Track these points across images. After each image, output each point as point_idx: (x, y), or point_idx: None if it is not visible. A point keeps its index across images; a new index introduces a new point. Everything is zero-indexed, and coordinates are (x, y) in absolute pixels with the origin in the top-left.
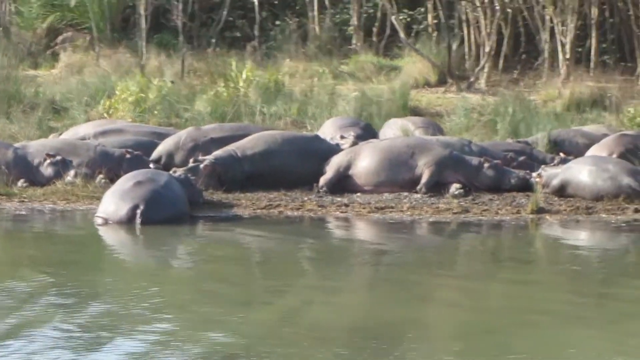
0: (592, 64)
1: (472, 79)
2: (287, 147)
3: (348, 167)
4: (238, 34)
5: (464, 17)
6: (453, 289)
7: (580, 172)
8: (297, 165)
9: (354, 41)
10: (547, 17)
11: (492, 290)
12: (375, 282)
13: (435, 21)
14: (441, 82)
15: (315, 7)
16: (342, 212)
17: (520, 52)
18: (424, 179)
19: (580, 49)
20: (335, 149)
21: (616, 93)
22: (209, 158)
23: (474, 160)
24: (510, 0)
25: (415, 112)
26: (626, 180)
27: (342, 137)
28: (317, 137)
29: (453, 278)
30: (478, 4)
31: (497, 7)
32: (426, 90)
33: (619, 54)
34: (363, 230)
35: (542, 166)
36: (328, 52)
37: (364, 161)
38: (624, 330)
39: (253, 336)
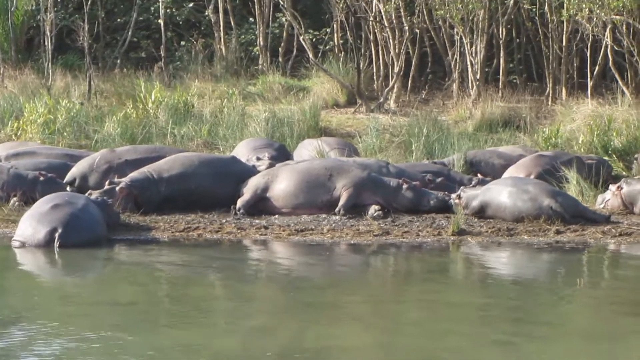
0: (500, 84)
1: (381, 100)
2: (204, 169)
3: (265, 189)
4: (143, 55)
5: (371, 37)
6: (370, 310)
7: (500, 194)
8: (214, 187)
9: (260, 62)
10: (457, 37)
11: (408, 312)
12: (291, 304)
13: (341, 41)
14: (350, 102)
15: (222, 28)
16: (261, 234)
17: (427, 72)
18: (342, 201)
19: (487, 69)
20: (252, 171)
21: (527, 113)
22: (125, 180)
23: (393, 182)
24: (418, 20)
25: (325, 132)
26: (547, 201)
27: (258, 159)
28: (234, 159)
29: (371, 300)
30: (386, 24)
31: (406, 28)
32: (335, 111)
33: (525, 74)
34: (283, 253)
35: (462, 187)
36: (235, 72)
37: (282, 183)
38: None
39: None
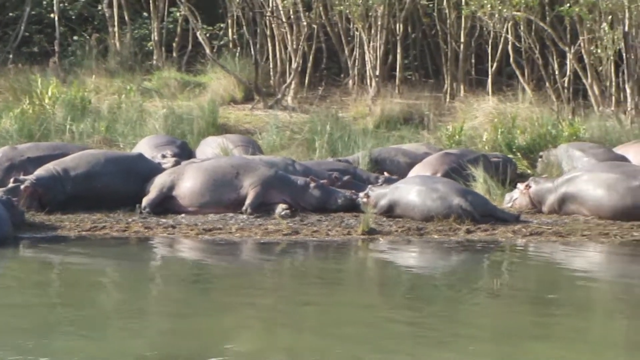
0: (397, 81)
1: (279, 96)
2: (111, 167)
3: (172, 187)
4: (36, 49)
5: (268, 33)
6: (276, 312)
7: (409, 192)
8: (121, 185)
9: (154, 57)
10: (357, 33)
11: (315, 313)
12: (199, 305)
13: (235, 36)
14: (247, 98)
15: (116, 22)
16: (169, 233)
17: (322, 68)
18: (249, 200)
19: (385, 66)
20: (159, 169)
21: (426, 110)
22: (30, 178)
23: (300, 180)
24: (316, 15)
25: (224, 129)
26: (456, 200)
27: (163, 157)
28: (140, 157)
29: (278, 301)
30: (284, 19)
31: (304, 23)
32: (233, 107)
33: (422, 71)
34: (191, 253)
35: (369, 186)
36: (130, 68)
37: (188, 181)
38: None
39: None
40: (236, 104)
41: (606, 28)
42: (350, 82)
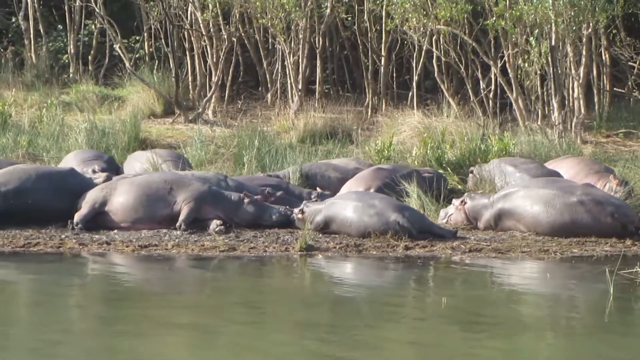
0: (317, 94)
1: (200, 110)
2: (43, 183)
3: (104, 203)
4: None
5: (187, 46)
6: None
7: (345, 208)
8: (53, 201)
9: (71, 70)
10: (279, 47)
11: (249, 332)
12: (131, 321)
13: (151, 49)
14: (167, 112)
15: (32, 35)
16: (104, 250)
17: (239, 82)
18: (183, 215)
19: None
20: (91, 184)
21: (350, 124)
22: None
23: (234, 196)
24: (236, 29)
25: (146, 143)
26: (393, 216)
27: (94, 172)
28: (72, 172)
29: (197, 315)
30: (204, 33)
31: (225, 37)
32: (153, 121)
33: (340, 85)
34: (129, 269)
35: (305, 202)
36: (47, 81)
37: (121, 197)
38: None
39: None
40: (156, 117)
41: (533, 42)
42: (269, 95)
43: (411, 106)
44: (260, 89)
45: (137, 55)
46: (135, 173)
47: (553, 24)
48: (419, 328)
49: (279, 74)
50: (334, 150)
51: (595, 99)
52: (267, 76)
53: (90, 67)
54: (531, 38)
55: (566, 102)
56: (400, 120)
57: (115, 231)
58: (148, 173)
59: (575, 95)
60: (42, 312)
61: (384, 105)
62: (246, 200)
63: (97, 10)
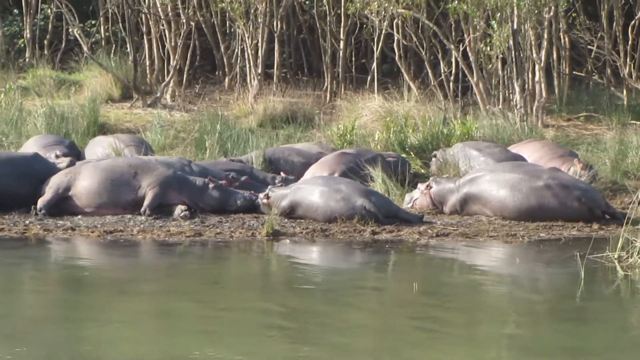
0: (275, 79)
1: (158, 94)
2: (6, 169)
3: (68, 188)
4: None
5: (145, 30)
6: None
7: (312, 193)
8: (16, 187)
9: (27, 54)
10: (238, 31)
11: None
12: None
13: (107, 34)
14: (125, 97)
15: None
16: (69, 235)
17: (195, 66)
18: (147, 201)
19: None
20: (55, 169)
21: (310, 108)
22: None
23: (199, 181)
24: (195, 13)
25: (105, 128)
26: (360, 201)
27: (57, 157)
28: (36, 157)
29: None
30: (162, 16)
31: (183, 21)
32: (110, 106)
33: (297, 68)
34: (98, 255)
35: (270, 187)
36: (3, 66)
37: (85, 181)
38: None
39: None
40: (114, 102)
41: (495, 26)
42: (228, 80)
43: (370, 90)
44: (217, 73)
45: (92, 40)
46: (97, 158)
47: (515, 8)
48: (390, 314)
49: (238, 58)
50: (295, 135)
51: (555, 83)
52: (225, 60)
53: (46, 52)
54: (493, 22)
55: (526, 86)
56: (361, 104)
57: (80, 216)
58: (112, 158)
59: (537, 79)
60: (9, 299)
61: (342, 89)
62: (211, 185)
63: None
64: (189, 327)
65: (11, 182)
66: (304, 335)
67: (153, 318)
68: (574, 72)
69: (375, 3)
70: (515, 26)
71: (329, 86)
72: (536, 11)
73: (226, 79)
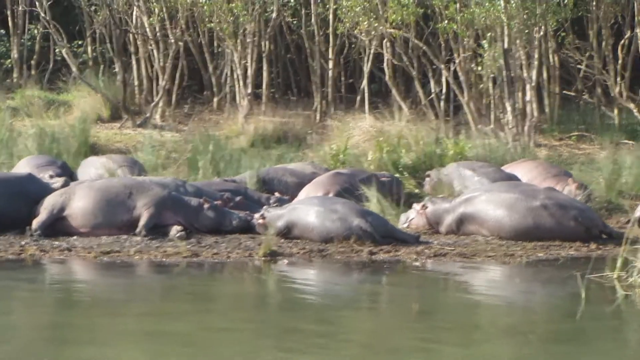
0: (264, 98)
1: (147, 114)
2: (1, 190)
3: (63, 208)
4: None
5: (133, 50)
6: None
7: (308, 214)
8: (10, 207)
9: (15, 75)
10: (228, 51)
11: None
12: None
13: (94, 54)
14: (114, 117)
15: None
16: (66, 256)
17: (183, 86)
18: (143, 221)
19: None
20: (49, 190)
21: (301, 128)
22: None
23: (194, 201)
24: (182, 33)
25: (95, 148)
26: (356, 221)
27: (51, 177)
28: (31, 177)
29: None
30: (151, 37)
31: (172, 41)
32: (100, 126)
33: (285, 88)
34: (88, 275)
35: (265, 207)
36: None
37: (80, 202)
38: None
39: None
40: (103, 122)
41: (485, 45)
42: (216, 100)
43: (360, 110)
44: (205, 93)
45: (80, 60)
46: (91, 179)
47: (505, 27)
48: (389, 334)
49: (227, 78)
50: (287, 155)
51: (546, 102)
52: (213, 80)
53: (34, 72)
54: (484, 41)
55: (517, 106)
56: (352, 124)
57: (75, 237)
58: (106, 178)
59: (528, 98)
60: (5, 321)
61: (333, 109)
62: (206, 205)
63: (42, 15)
64: (188, 348)
65: (5, 202)
66: (302, 357)
67: (152, 338)
68: (564, 92)
69: (365, 23)
70: (506, 45)
71: (318, 106)
72: (526, 31)
73: (215, 99)
